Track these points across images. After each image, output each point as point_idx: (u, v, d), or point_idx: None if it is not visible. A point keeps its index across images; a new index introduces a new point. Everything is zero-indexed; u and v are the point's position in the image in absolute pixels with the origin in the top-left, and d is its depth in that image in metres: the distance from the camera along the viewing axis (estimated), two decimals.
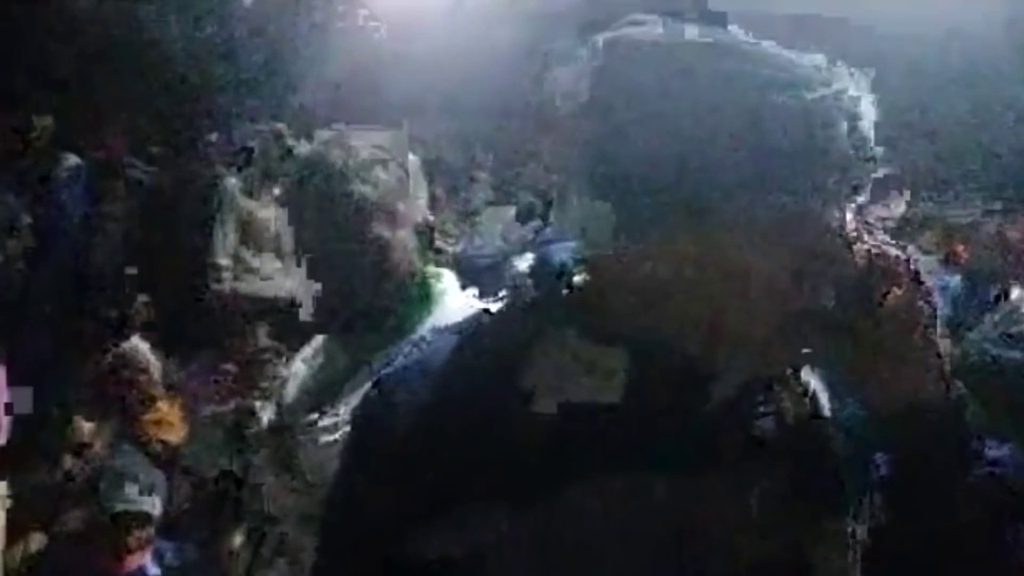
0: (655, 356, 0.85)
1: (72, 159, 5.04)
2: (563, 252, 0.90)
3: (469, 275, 1.92)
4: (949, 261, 4.92)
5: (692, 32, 0.84)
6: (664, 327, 0.84)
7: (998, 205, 5.49)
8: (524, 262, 0.96)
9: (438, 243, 5.14)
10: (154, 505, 2.94)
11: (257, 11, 6.85)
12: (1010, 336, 3.39)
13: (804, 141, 0.80)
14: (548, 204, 2.09)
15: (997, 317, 3.58)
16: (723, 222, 0.80)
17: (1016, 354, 3.34)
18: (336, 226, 1.34)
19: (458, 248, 4.34)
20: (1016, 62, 6.20)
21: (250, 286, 4.87)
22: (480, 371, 0.89)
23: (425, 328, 1.37)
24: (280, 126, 5.10)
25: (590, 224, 0.84)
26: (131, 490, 2.92)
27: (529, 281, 0.91)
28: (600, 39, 0.86)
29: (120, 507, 2.87)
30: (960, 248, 4.93)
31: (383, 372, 0.98)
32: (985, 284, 4.63)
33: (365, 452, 0.92)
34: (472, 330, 0.93)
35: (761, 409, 0.88)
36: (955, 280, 4.68)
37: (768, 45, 0.84)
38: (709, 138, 0.79)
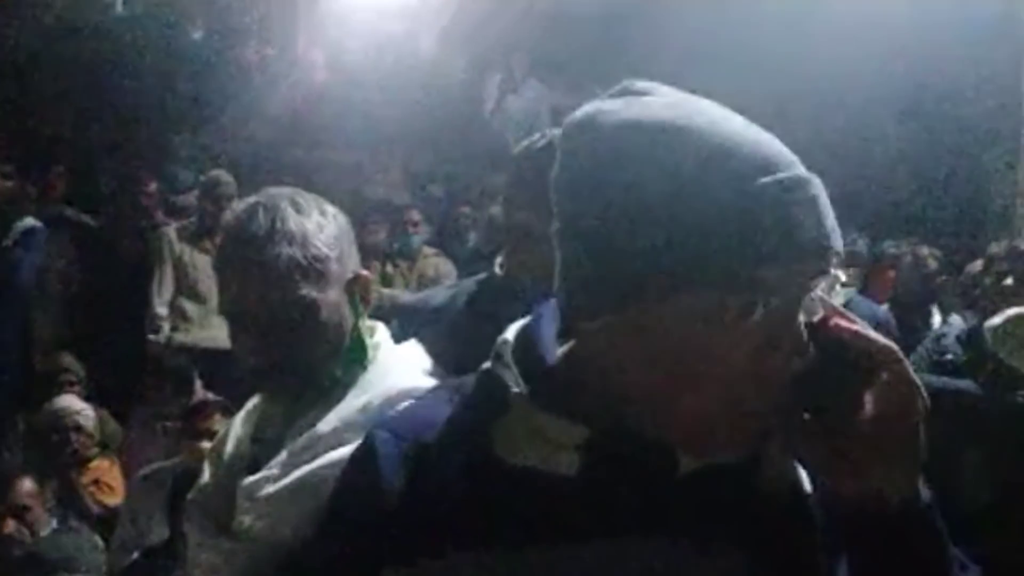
0: (618, 432, 0.83)
1: (28, 221, 4.94)
2: (549, 327, 0.91)
3: (415, 320, 1.90)
4: (872, 290, 4.97)
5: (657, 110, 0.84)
6: (631, 405, 0.84)
7: (918, 233, 5.61)
8: (508, 340, 0.94)
9: (382, 290, 5.09)
10: None
11: (205, 45, 6.82)
12: (940, 364, 3.46)
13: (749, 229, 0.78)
14: (492, 252, 2.08)
15: (928, 345, 3.65)
16: (689, 304, 0.79)
17: (945, 381, 3.38)
18: (263, 289, 1.33)
19: (402, 296, 4.30)
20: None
21: (188, 336, 4.78)
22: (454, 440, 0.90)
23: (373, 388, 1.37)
24: (218, 172, 5.04)
25: (574, 286, 0.85)
26: None
27: (511, 364, 0.90)
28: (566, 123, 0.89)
29: None
30: (886, 277, 4.99)
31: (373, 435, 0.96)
32: (909, 313, 4.70)
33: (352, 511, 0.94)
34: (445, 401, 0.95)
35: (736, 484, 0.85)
36: (883, 310, 4.73)
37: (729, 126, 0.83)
38: (676, 221, 0.79)
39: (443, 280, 5.12)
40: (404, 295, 4.50)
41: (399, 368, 1.41)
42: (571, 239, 0.86)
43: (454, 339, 1.78)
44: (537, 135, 1.93)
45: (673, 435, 0.83)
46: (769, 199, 0.78)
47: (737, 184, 0.78)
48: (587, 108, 0.88)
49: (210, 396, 3.82)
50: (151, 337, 4.82)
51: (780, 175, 0.79)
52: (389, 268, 5.66)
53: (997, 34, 6.05)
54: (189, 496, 1.46)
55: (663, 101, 0.86)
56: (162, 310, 4.87)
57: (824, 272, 0.80)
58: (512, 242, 1.94)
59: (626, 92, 0.88)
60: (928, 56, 6.01)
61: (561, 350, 0.90)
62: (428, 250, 5.85)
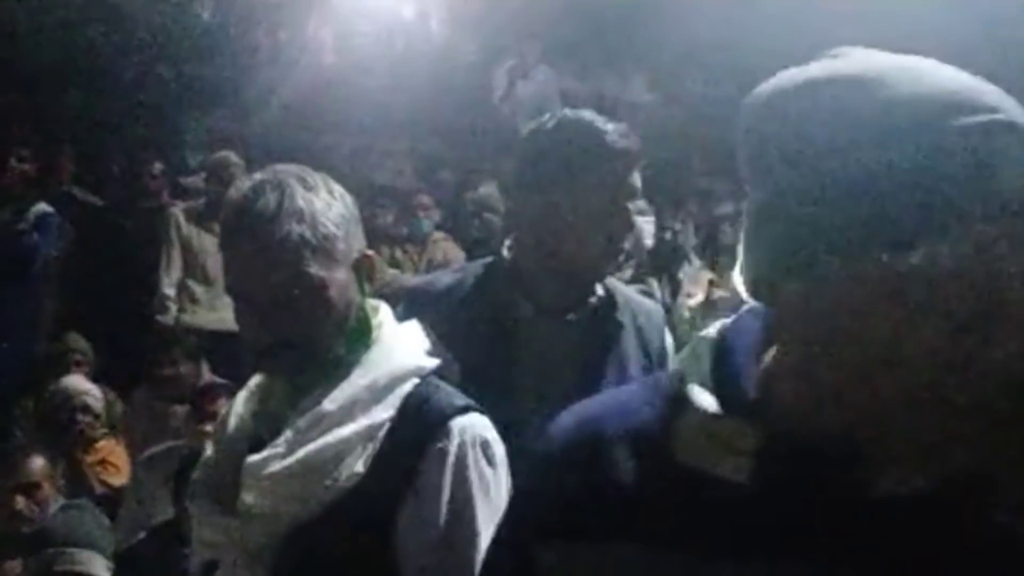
0: (798, 437, 0.76)
1: (42, 206, 4.96)
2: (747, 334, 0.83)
3: (421, 302, 1.89)
4: None
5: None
6: (821, 407, 0.76)
7: None
8: (708, 336, 0.87)
9: (389, 271, 5.09)
10: (105, 567, 2.84)
11: (215, 27, 6.80)
12: None
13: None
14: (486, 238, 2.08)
15: None
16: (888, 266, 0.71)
17: None
18: (271, 266, 1.32)
19: (409, 278, 4.29)
20: None
21: (195, 318, 4.78)
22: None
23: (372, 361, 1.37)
24: (227, 154, 5.02)
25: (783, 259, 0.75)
26: (82, 553, 2.83)
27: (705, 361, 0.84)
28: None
29: (70, 568, 2.77)
30: None
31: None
32: None
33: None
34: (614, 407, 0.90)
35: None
36: None
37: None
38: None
39: (452, 265, 5.11)
40: (411, 277, 4.49)
41: (402, 348, 1.42)
42: (789, 208, 0.76)
43: (461, 322, 1.78)
44: (546, 116, 1.91)
45: (864, 441, 0.73)
46: (965, 142, 0.71)
47: (936, 125, 0.72)
48: (778, 80, 0.80)
49: (216, 379, 3.82)
50: (159, 318, 4.83)
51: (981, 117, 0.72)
52: (398, 252, 5.65)
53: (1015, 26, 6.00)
54: (193, 475, 1.46)
55: (855, 57, 0.80)
56: (170, 291, 4.87)
57: None
58: (520, 224, 1.94)
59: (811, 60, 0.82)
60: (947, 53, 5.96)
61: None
62: (437, 234, 5.84)
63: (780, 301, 0.76)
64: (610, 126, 1.83)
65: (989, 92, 0.76)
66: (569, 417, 0.90)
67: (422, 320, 1.51)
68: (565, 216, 1.81)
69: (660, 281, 4.64)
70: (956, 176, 0.70)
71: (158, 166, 5.51)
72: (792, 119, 0.76)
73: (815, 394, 0.75)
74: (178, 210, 5.07)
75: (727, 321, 0.87)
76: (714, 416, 0.79)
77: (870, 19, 5.99)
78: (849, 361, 0.72)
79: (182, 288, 4.88)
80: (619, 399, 0.90)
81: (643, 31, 6.70)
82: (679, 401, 0.82)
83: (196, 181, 5.61)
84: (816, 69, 0.78)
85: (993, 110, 0.73)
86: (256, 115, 6.31)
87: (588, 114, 1.88)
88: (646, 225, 5.05)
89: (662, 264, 4.83)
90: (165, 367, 4.19)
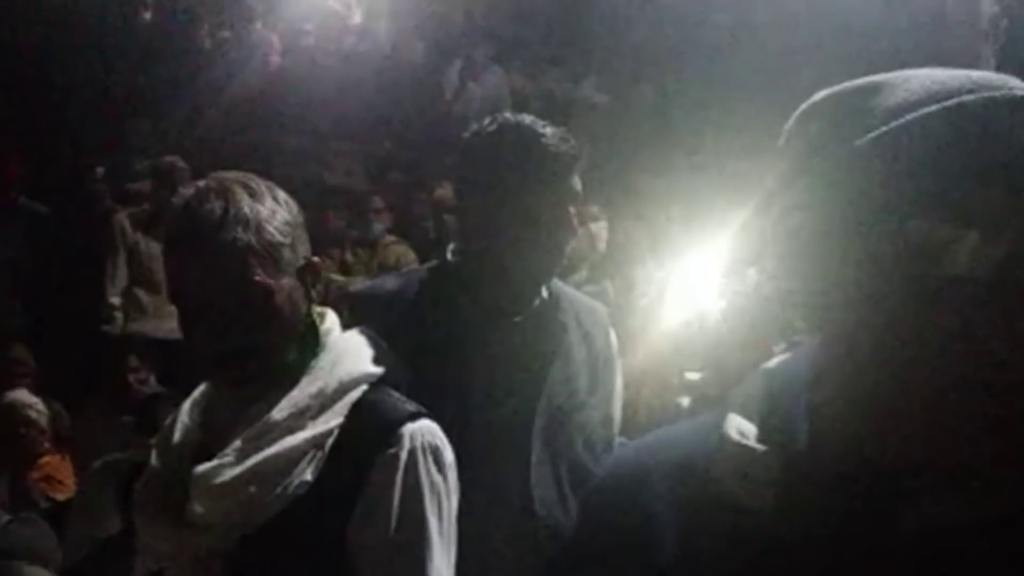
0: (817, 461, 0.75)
1: None
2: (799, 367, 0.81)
3: (366, 308, 1.88)
4: None
5: None
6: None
7: None
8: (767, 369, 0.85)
9: (335, 277, 5.04)
10: None
11: (158, 29, 6.68)
12: None
13: None
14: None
15: None
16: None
17: None
18: (217, 274, 1.31)
19: (357, 284, 4.26)
20: None
21: (142, 326, 4.71)
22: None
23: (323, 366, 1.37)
24: (172, 159, 4.95)
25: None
26: (29, 568, 2.77)
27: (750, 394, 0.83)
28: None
29: None
30: None
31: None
32: None
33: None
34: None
35: None
36: None
37: None
38: None
39: (404, 267, 5.08)
40: (355, 283, 4.46)
41: (351, 354, 1.42)
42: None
43: (406, 327, 1.78)
44: (487, 120, 1.92)
45: (915, 471, 0.70)
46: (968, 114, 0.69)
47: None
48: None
49: (161, 389, 3.77)
50: (105, 327, 4.75)
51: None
52: (349, 256, 5.61)
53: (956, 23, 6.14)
54: (138, 485, 1.44)
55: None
56: (116, 299, 4.80)
57: None
58: (464, 227, 1.94)
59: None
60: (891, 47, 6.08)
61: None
62: (389, 237, 5.80)
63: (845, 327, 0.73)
64: (549, 130, 1.85)
65: None
66: (627, 449, 0.92)
67: (369, 325, 1.51)
68: (505, 219, 1.82)
69: (614, 282, 4.67)
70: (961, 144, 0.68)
71: (100, 171, 5.41)
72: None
73: (869, 423, 0.72)
74: (123, 216, 4.99)
75: (786, 355, 0.86)
76: (741, 445, 0.78)
77: (820, 28, 6.10)
78: (915, 387, 0.69)
79: (128, 296, 4.80)
80: (674, 432, 0.91)
81: (594, 32, 6.74)
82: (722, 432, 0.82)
83: (142, 187, 5.51)
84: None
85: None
86: (202, 118, 6.21)
87: (528, 118, 1.89)
88: (600, 231, 5.09)
89: (615, 265, 4.85)
90: (113, 377, 4.12)
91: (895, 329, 0.69)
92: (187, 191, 1.37)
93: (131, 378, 4.13)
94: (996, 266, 0.65)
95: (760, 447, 0.77)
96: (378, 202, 5.84)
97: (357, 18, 7.60)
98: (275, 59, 6.81)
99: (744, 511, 0.76)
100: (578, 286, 3.88)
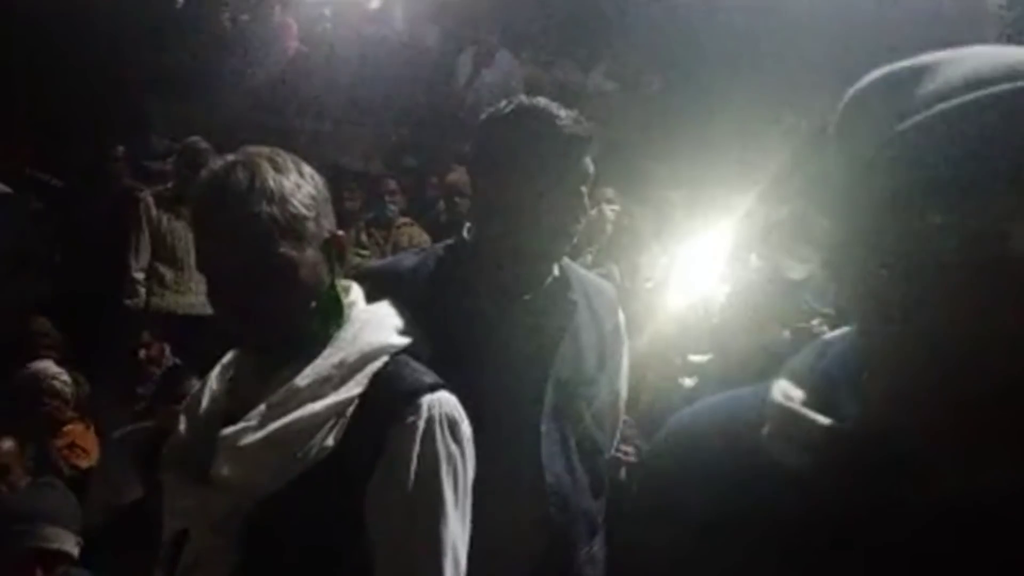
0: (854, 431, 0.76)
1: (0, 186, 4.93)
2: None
3: (383, 286, 1.95)
4: None
5: None
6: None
7: None
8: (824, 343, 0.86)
9: (353, 255, 5.13)
10: (75, 543, 2.86)
11: (178, 11, 6.73)
12: None
13: None
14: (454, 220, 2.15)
15: None
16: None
17: None
18: (242, 246, 1.34)
19: (374, 261, 4.35)
20: None
21: (164, 302, 4.81)
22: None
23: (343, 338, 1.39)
24: (196, 139, 5.04)
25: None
26: (51, 529, 2.85)
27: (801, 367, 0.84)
28: None
29: (40, 544, 2.79)
30: None
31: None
32: None
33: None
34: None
35: None
36: None
37: None
38: None
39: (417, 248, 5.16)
40: (373, 262, 4.55)
41: (373, 326, 1.45)
42: None
43: (422, 304, 1.84)
44: (503, 102, 1.98)
45: (950, 444, 0.70)
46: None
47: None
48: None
49: (180, 362, 3.86)
50: (128, 302, 4.85)
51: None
52: (364, 237, 5.70)
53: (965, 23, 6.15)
54: (165, 449, 1.49)
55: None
56: (139, 275, 4.90)
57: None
58: (479, 207, 2.02)
59: None
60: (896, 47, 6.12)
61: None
62: (403, 219, 5.89)
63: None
64: (563, 112, 1.90)
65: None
66: (682, 415, 0.93)
67: (390, 302, 1.53)
68: (520, 199, 1.87)
69: (619, 266, 4.74)
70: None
71: (120, 149, 5.51)
72: None
73: (909, 392, 0.73)
74: (148, 195, 5.08)
75: (844, 329, 0.85)
76: (784, 407, 0.79)
77: (821, 19, 6.13)
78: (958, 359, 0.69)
79: (151, 272, 4.90)
80: (725, 398, 0.92)
81: (604, 21, 6.78)
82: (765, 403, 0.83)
83: (164, 166, 5.61)
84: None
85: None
86: (222, 100, 6.29)
87: (543, 101, 1.94)
88: (610, 213, 5.15)
89: (621, 249, 4.93)
90: (134, 351, 4.22)
91: (944, 320, 0.69)
92: (215, 164, 1.39)
93: (143, 353, 4.23)
94: None
95: (802, 410, 0.78)
96: (392, 185, 5.92)
97: (374, 3, 7.65)
98: (293, 44, 6.88)
99: (789, 474, 0.76)
100: (587, 268, 3.96)
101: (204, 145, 4.88)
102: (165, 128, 6.20)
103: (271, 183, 1.35)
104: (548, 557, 1.90)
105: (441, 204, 6.08)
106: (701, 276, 4.09)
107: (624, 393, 2.13)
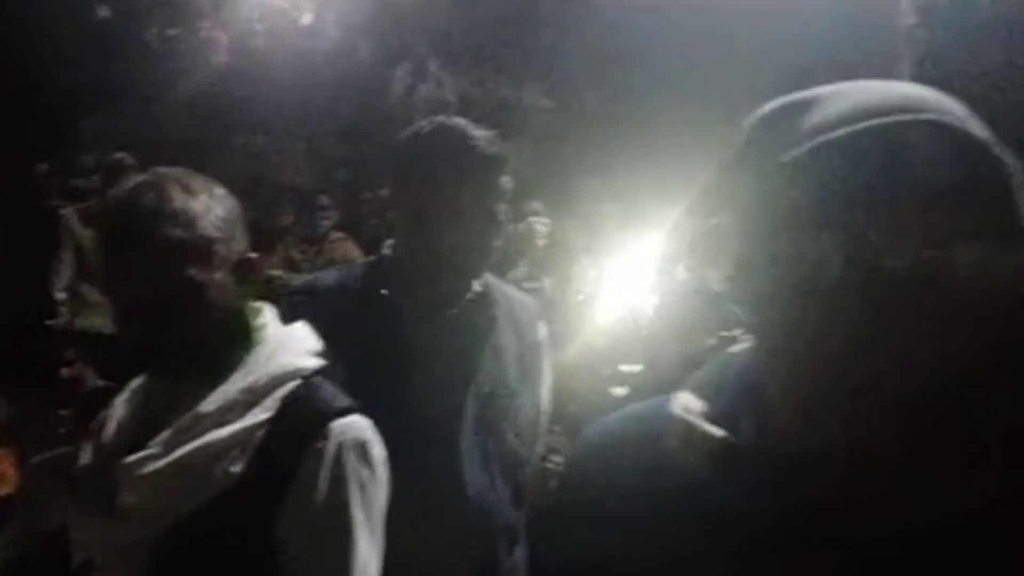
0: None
1: None
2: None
3: (305, 302, 1.94)
4: None
5: None
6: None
7: None
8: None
9: (277, 273, 5.08)
10: None
11: (109, 24, 6.62)
12: None
13: None
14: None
15: None
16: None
17: None
18: (149, 269, 1.33)
19: (302, 277, 4.31)
20: None
21: (89, 322, 4.70)
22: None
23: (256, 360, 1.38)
24: (121, 155, 4.95)
25: None
26: None
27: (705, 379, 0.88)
28: None
29: None
30: None
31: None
32: None
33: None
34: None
35: None
36: None
37: None
38: None
39: None
40: (296, 278, 4.51)
41: (285, 349, 1.42)
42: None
43: (343, 321, 1.85)
44: (423, 122, 2.02)
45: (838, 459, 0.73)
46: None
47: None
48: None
49: (103, 382, 3.78)
50: (50, 323, 4.73)
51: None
52: (295, 252, 5.65)
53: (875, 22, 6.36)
54: (71, 477, 1.47)
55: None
56: (62, 295, 4.79)
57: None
58: (399, 224, 2.03)
59: None
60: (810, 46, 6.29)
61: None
62: (335, 234, 5.85)
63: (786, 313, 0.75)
64: (480, 133, 1.94)
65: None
66: (595, 426, 0.96)
67: (307, 319, 1.53)
68: (438, 217, 1.91)
69: (551, 278, 4.78)
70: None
71: (44, 167, 5.39)
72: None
73: (801, 407, 0.75)
74: (71, 212, 4.98)
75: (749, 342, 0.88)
76: (682, 420, 0.83)
77: (752, 39, 6.29)
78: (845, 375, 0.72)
79: (74, 291, 4.79)
80: (637, 409, 0.94)
81: (540, 39, 6.86)
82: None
83: (91, 182, 5.49)
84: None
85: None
86: (151, 116, 6.20)
87: (461, 122, 1.99)
88: (540, 227, 5.19)
89: (553, 262, 4.97)
90: (56, 372, 4.12)
91: (820, 332, 0.72)
92: (123, 186, 1.37)
93: (66, 372, 4.13)
94: (907, 279, 0.69)
95: (698, 422, 0.82)
96: (324, 200, 5.89)
97: (307, 18, 7.62)
98: (223, 58, 6.81)
99: (691, 483, 0.79)
100: (517, 282, 3.99)
101: (129, 161, 4.81)
102: (93, 144, 6.08)
103: (180, 205, 1.34)
104: (471, 570, 1.91)
105: (376, 219, 6.06)
106: (631, 288, 4.14)
107: (547, 406, 2.15)
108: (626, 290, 4.16)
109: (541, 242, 5.15)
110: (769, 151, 0.77)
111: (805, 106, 0.78)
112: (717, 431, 0.80)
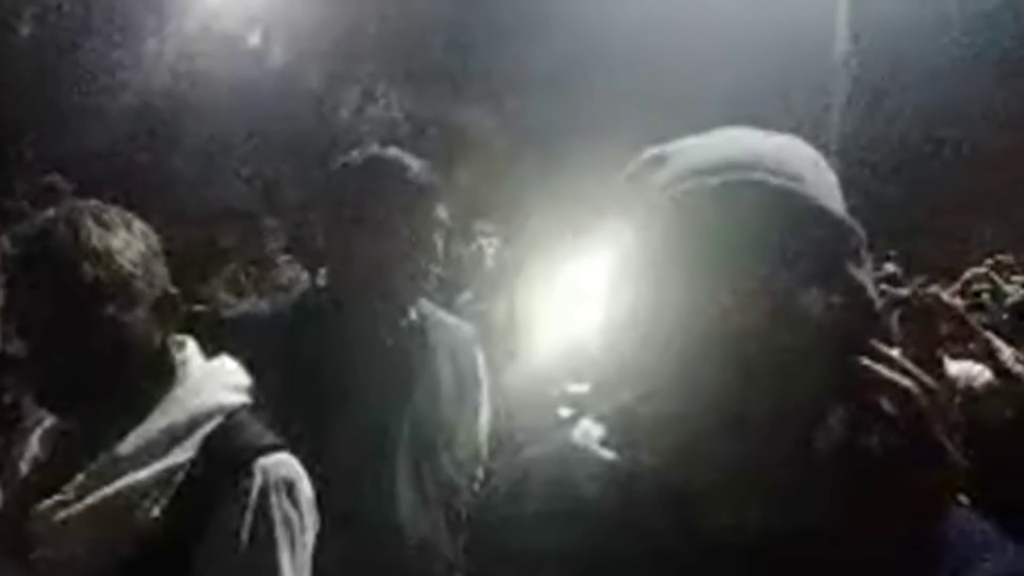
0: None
1: None
2: None
3: (240, 333, 1.91)
4: None
5: None
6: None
7: None
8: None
9: (224, 296, 4.98)
10: None
11: (33, 43, 6.50)
12: None
13: None
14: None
15: None
16: None
17: None
18: (63, 309, 1.28)
19: (231, 309, 4.23)
20: None
21: (20, 350, 4.57)
22: None
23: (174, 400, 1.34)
24: (54, 179, 4.85)
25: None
26: None
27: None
28: None
29: None
30: None
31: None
32: None
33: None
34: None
35: None
36: None
37: None
38: None
39: (297, 287, 5.07)
40: (234, 307, 4.43)
41: (207, 386, 1.37)
42: None
43: (278, 351, 1.82)
44: (355, 152, 2.00)
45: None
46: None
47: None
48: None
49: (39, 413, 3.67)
50: None
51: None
52: (241, 276, 5.57)
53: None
54: None
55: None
56: None
57: None
58: (332, 254, 2.00)
59: None
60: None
61: None
62: (283, 257, 5.79)
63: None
64: (414, 163, 1.94)
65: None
66: (502, 465, 1.02)
67: (242, 350, 1.49)
68: (371, 246, 1.90)
69: (500, 301, 4.76)
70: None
71: None
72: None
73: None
74: (3, 237, 4.85)
75: None
76: (580, 448, 0.88)
77: (694, 58, 6.38)
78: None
79: (6, 318, 4.66)
80: (546, 439, 0.96)
81: (488, 59, 6.90)
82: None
83: (25, 207, 5.36)
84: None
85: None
86: (89, 138, 6.09)
87: (394, 151, 1.99)
88: (489, 248, 5.19)
89: (502, 285, 4.95)
90: None
91: (691, 368, 0.77)
92: (35, 222, 1.32)
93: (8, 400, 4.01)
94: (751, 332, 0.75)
95: (593, 446, 0.87)
96: (270, 222, 5.83)
97: (253, 40, 7.57)
98: (166, 79, 6.73)
99: (593, 505, 0.84)
100: (465, 305, 3.96)
101: (61, 185, 4.71)
102: (30, 168, 5.95)
103: (95, 241, 1.29)
104: None
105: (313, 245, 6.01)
106: (578, 311, 4.13)
107: (485, 432, 2.14)
108: (576, 309, 4.15)
109: (489, 262, 5.15)
110: (633, 197, 0.84)
111: (663, 159, 0.84)
112: (605, 454, 0.86)
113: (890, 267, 5.76)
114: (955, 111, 8.18)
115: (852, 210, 0.83)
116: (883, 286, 4.14)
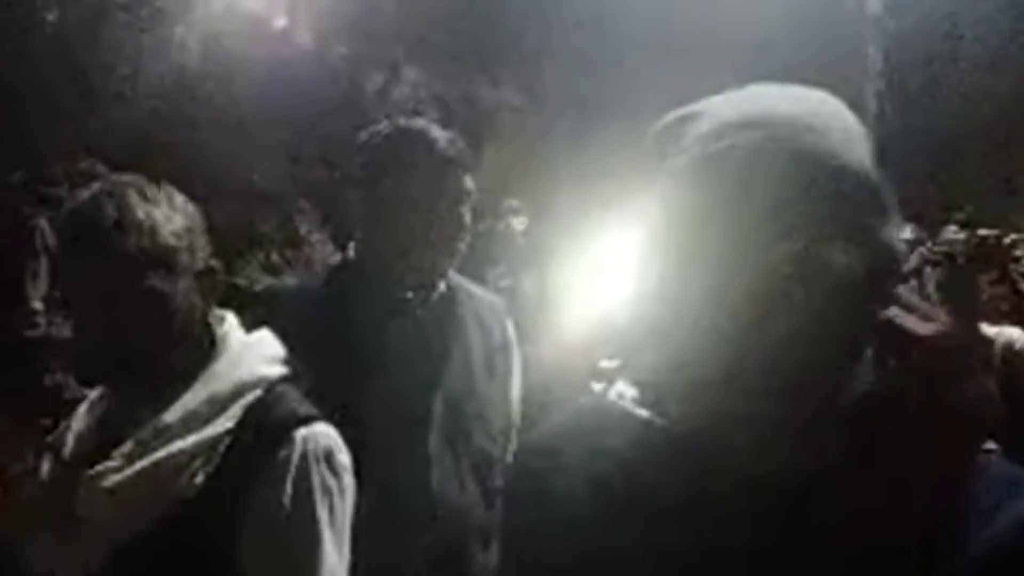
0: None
1: None
2: None
3: (274, 306, 1.95)
4: None
5: None
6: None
7: None
8: None
9: (235, 281, 5.04)
10: None
11: (61, 28, 6.56)
12: None
13: None
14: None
15: None
16: None
17: None
18: (110, 280, 1.31)
19: (263, 283, 4.29)
20: None
21: (66, 331, 4.68)
22: None
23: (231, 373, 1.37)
24: (92, 162, 4.93)
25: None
26: None
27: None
28: None
29: None
30: None
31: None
32: None
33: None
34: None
35: None
36: None
37: None
38: None
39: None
40: (268, 282, 4.50)
41: (248, 358, 1.41)
42: None
43: (310, 323, 1.84)
44: (383, 124, 2.01)
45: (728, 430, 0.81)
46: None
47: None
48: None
49: (84, 392, 3.76)
50: (28, 333, 4.71)
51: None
52: (276, 256, 5.63)
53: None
54: (28, 490, 1.45)
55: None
56: (37, 304, 4.77)
57: None
58: (362, 226, 2.02)
59: None
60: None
61: None
62: (316, 236, 5.84)
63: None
64: (440, 134, 1.94)
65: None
66: (534, 436, 1.00)
67: (274, 323, 1.52)
68: (399, 218, 1.91)
69: (531, 276, 4.78)
70: None
71: (19, 175, 5.36)
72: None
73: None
74: (44, 221, 4.95)
75: None
76: (615, 406, 0.89)
77: (727, 25, 6.30)
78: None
79: (50, 300, 4.77)
80: (577, 407, 0.98)
81: (515, 38, 6.87)
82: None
83: (61, 191, 5.46)
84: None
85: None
86: (122, 122, 6.15)
87: (421, 122, 1.99)
88: (519, 225, 5.19)
89: (532, 260, 4.98)
90: (35, 382, 4.10)
91: (721, 332, 0.79)
92: (81, 195, 1.36)
93: (52, 382, 4.12)
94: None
95: (629, 406, 0.87)
96: (304, 203, 5.88)
97: (280, 22, 7.59)
98: (195, 63, 6.77)
99: (633, 465, 0.85)
100: (497, 280, 3.99)
101: (100, 169, 4.78)
102: (66, 152, 6.03)
103: (139, 214, 1.33)
104: (441, 571, 1.91)
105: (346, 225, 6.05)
106: (610, 284, 4.14)
107: (517, 404, 2.15)
108: (605, 286, 4.16)
109: (520, 240, 5.16)
110: (659, 160, 0.85)
111: (690, 118, 0.85)
112: (641, 412, 0.87)
113: (952, 228, 5.66)
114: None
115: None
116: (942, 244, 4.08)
